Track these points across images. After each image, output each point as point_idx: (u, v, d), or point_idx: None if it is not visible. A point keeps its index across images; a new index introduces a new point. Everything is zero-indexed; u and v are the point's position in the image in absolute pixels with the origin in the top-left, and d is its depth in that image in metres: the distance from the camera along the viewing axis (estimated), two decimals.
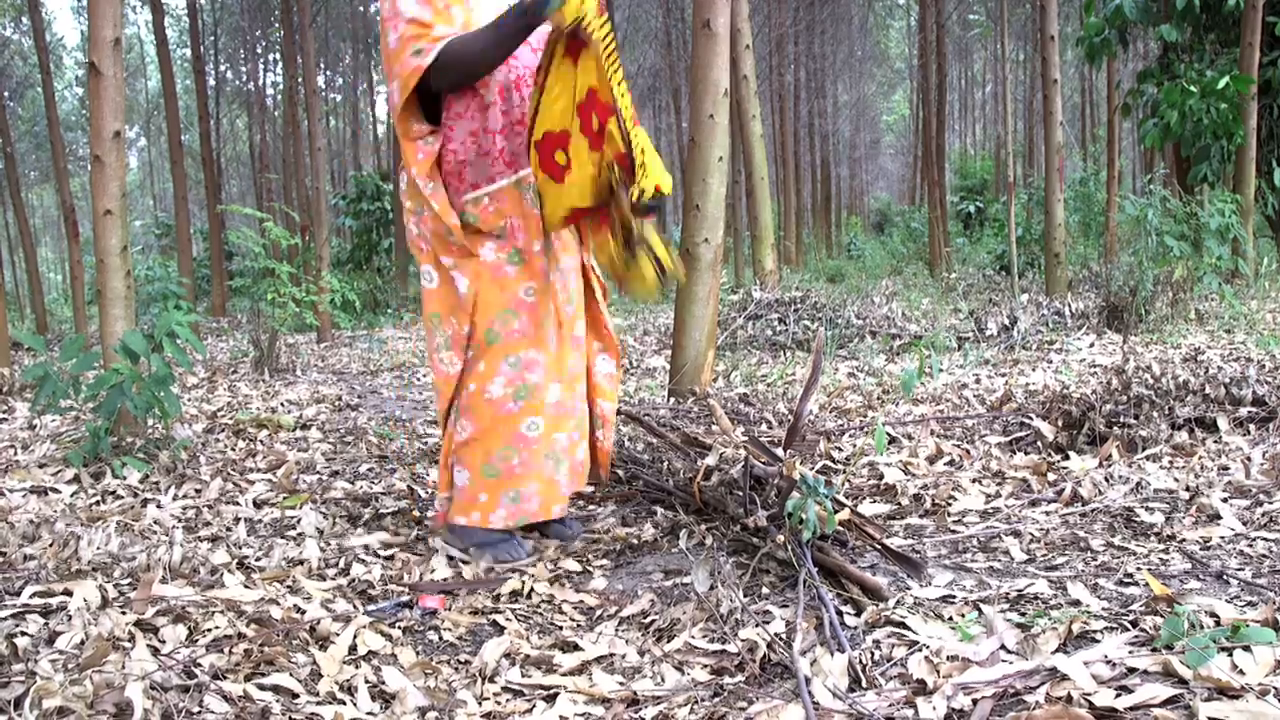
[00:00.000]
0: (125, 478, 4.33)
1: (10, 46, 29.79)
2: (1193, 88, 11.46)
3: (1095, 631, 2.31)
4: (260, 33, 29.26)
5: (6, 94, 24.02)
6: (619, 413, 4.09)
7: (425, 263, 3.21)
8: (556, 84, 2.92)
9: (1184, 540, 2.98)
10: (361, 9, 30.55)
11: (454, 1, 3.06)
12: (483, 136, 3.10)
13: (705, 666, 2.37)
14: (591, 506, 3.81)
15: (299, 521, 3.64)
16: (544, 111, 2.93)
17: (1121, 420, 4.16)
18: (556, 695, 2.29)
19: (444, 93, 3.08)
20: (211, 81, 27.15)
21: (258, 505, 3.96)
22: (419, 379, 8.23)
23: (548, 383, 3.17)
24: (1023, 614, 2.47)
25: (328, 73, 34.63)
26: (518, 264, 3.14)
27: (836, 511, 2.82)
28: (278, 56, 28.52)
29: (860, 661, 2.23)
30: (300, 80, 15.81)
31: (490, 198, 3.12)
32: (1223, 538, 2.98)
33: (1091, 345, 7.41)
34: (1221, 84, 11.12)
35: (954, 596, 2.63)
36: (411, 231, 3.25)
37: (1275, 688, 1.96)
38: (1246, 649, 2.11)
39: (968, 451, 4.16)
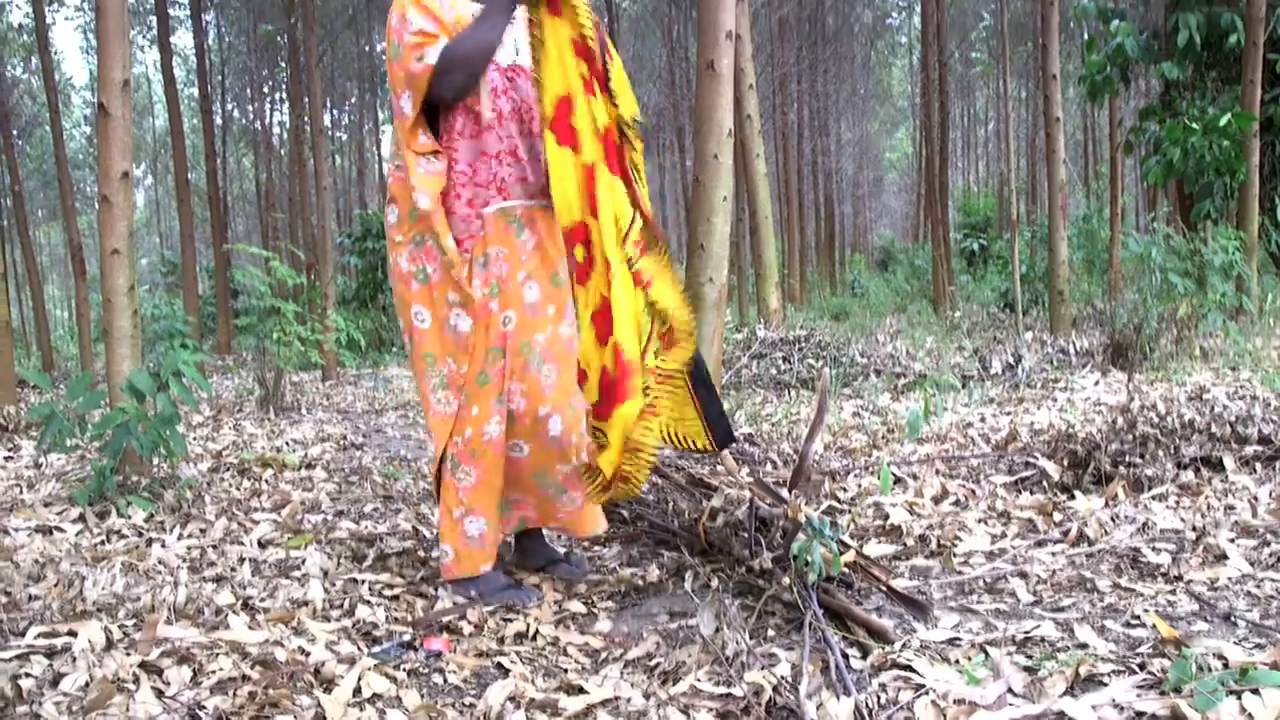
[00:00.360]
0: (130, 517, 4.33)
1: (20, 86, 29.99)
2: (1195, 125, 11.51)
3: (1102, 674, 2.30)
4: (267, 72, 29.45)
5: (15, 133, 24.16)
6: None
7: (417, 302, 3.16)
8: (552, 45, 3.00)
9: (1191, 581, 2.97)
10: (368, 48, 30.73)
11: (461, 19, 3.10)
12: (481, 160, 3.13)
13: (711, 710, 2.36)
14: (597, 547, 3.81)
15: (304, 562, 3.63)
16: (548, 79, 3.00)
17: (1127, 459, 4.16)
18: None
19: (444, 110, 3.11)
20: (218, 120, 27.34)
21: (262, 545, 3.95)
22: (423, 418, 8.23)
23: (531, 409, 3.18)
24: (1029, 657, 2.47)
25: (334, 112, 34.82)
26: (497, 296, 3.14)
27: (842, 553, 2.81)
28: (284, 96, 28.70)
29: (866, 705, 2.22)
30: (307, 119, 15.90)
31: (483, 221, 3.14)
32: (1230, 578, 2.97)
33: (1096, 383, 7.41)
34: (1223, 121, 11.17)
35: (960, 639, 2.63)
36: (401, 268, 3.18)
37: None
38: (1255, 692, 2.10)
39: (973, 491, 4.15)
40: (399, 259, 3.17)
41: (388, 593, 3.30)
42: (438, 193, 3.08)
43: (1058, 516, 3.72)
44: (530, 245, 3.19)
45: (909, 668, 2.45)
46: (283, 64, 26.43)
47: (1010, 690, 2.26)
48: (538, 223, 3.21)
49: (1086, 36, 15.90)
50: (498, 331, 3.13)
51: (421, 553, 3.72)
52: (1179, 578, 3.01)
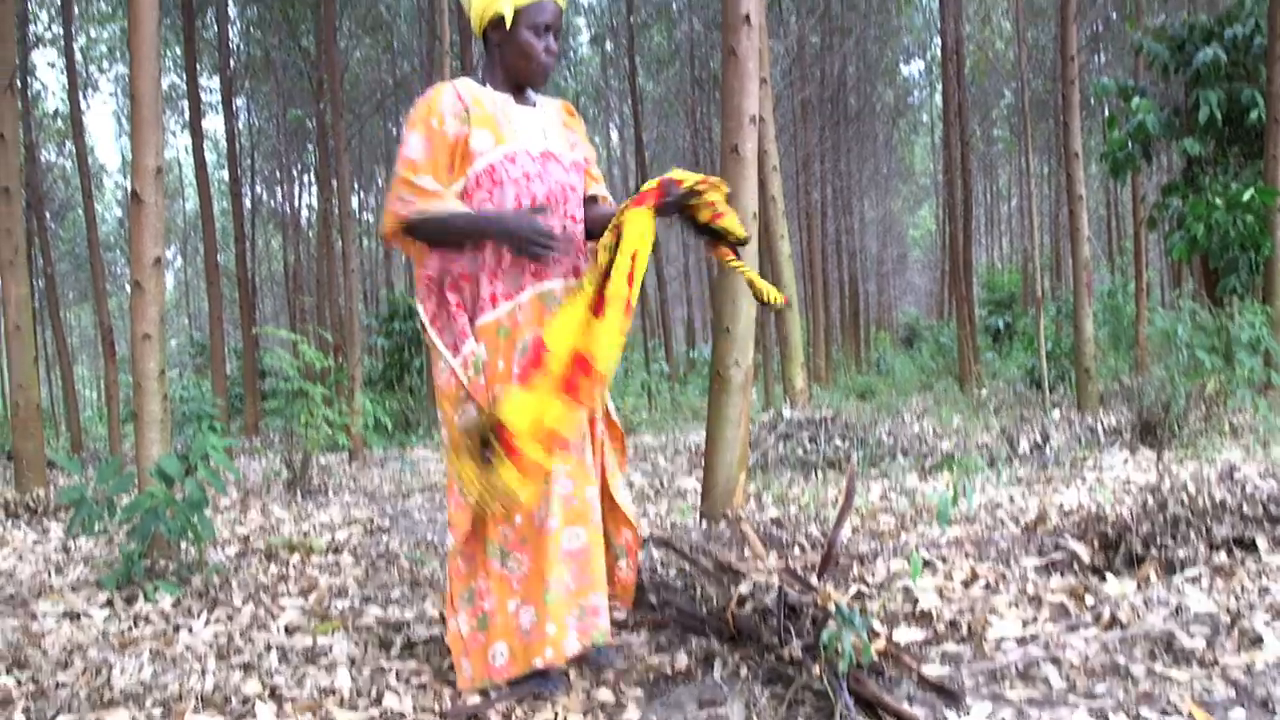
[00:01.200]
0: (158, 602, 4.34)
1: (54, 170, 30.51)
2: (1218, 200, 11.53)
3: None
4: (296, 156, 29.87)
5: (48, 215, 24.56)
6: (650, 537, 4.09)
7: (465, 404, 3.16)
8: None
9: (1227, 666, 2.93)
10: (395, 132, 31.17)
11: (482, 125, 3.17)
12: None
13: None
14: (624, 634, 3.79)
15: (331, 649, 3.62)
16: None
17: (1159, 541, 4.11)
18: None
19: (471, 200, 3.17)
20: (248, 203, 27.69)
21: (289, 631, 3.95)
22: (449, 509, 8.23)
23: (580, 491, 3.16)
24: None
25: (361, 194, 35.24)
26: None
27: (872, 640, 2.79)
28: (312, 179, 29.07)
29: None
30: (335, 202, 16.09)
31: (519, 308, 3.16)
32: (1267, 662, 2.93)
33: (1125, 462, 7.36)
34: (1246, 196, 11.20)
35: None
36: (447, 378, 3.18)
37: None
38: None
39: (1003, 575, 4.11)
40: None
41: (415, 681, 3.28)
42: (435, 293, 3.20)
43: (1089, 600, 3.68)
44: None
45: None
46: (311, 148, 26.82)
47: None
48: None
49: (1107, 113, 16.00)
50: None
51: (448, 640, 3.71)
52: (1214, 662, 2.97)
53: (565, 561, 3.10)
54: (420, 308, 3.21)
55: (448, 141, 3.14)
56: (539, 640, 3.06)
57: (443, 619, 3.98)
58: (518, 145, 3.20)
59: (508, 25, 3.20)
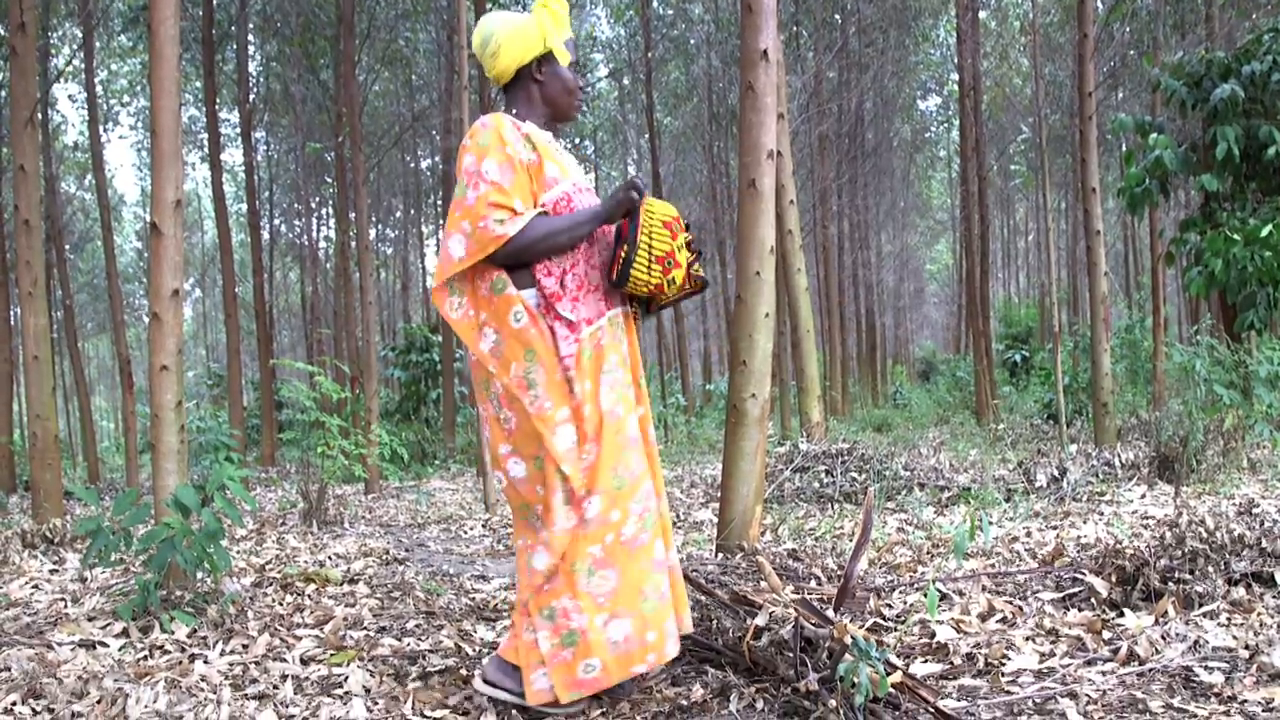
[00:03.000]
0: (173, 632, 4.34)
1: (74, 202, 30.72)
2: (1236, 236, 11.50)
3: None
4: (314, 188, 30.01)
5: (68, 247, 24.74)
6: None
7: (558, 424, 3.11)
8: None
9: (1245, 701, 2.92)
10: (413, 165, 31.31)
11: (547, 157, 3.21)
12: (590, 273, 3.20)
13: None
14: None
15: (346, 679, 3.62)
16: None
17: (1176, 575, 4.10)
18: None
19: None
20: (266, 235, 27.82)
21: (304, 662, 3.95)
22: (465, 532, 8.23)
23: (661, 508, 3.25)
24: None
25: (379, 226, 35.37)
26: (622, 401, 3.17)
27: (889, 674, 2.78)
28: (331, 211, 29.20)
29: None
30: (353, 235, 16.16)
31: (603, 329, 3.18)
32: None
33: (1143, 496, 7.33)
34: (1264, 232, 11.16)
35: None
36: (540, 404, 3.13)
37: None
38: None
39: (1020, 608, 4.10)
40: (523, 398, 3.12)
41: (430, 712, 3.28)
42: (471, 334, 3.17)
43: (1107, 634, 3.67)
44: (626, 350, 3.28)
45: None
46: (330, 181, 26.96)
47: None
48: (629, 329, 3.34)
49: (1125, 149, 15.99)
50: (625, 435, 3.15)
51: (464, 671, 3.70)
52: (1233, 698, 2.96)
53: (661, 572, 3.16)
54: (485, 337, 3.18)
55: (523, 167, 3.15)
56: (640, 648, 3.09)
57: (456, 648, 3.99)
58: (576, 177, 3.28)
59: (559, 60, 3.27)
